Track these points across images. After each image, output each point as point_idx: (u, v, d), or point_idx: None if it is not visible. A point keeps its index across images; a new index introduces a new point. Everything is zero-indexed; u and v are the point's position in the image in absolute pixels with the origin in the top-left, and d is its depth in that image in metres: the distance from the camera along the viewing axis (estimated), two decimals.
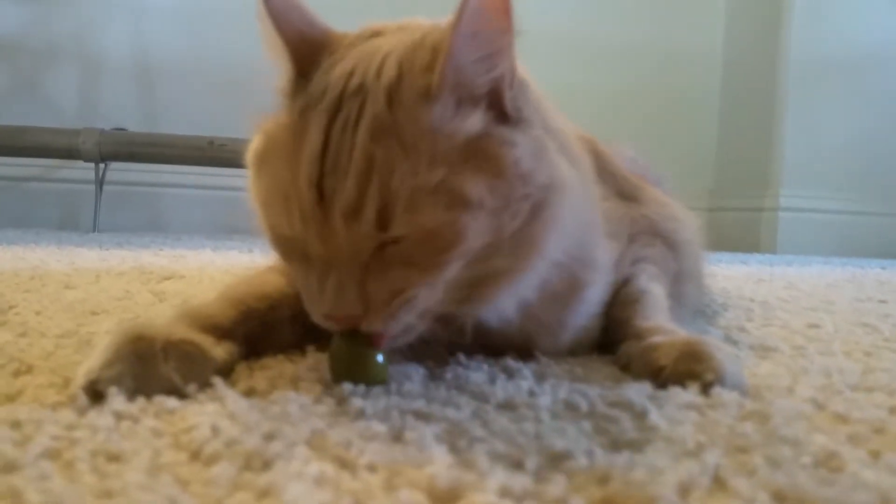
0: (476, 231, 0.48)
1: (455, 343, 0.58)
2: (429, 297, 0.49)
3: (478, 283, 0.51)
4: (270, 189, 0.50)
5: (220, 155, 2.15)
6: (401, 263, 0.48)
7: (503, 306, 0.56)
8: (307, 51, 0.52)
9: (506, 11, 0.48)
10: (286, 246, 0.51)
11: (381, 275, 0.48)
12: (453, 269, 0.49)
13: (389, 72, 0.49)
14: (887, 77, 2.55)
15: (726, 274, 1.47)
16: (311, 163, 0.47)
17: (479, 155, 0.48)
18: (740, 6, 2.80)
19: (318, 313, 0.50)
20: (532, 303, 0.57)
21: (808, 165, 2.53)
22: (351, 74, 0.50)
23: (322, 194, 0.47)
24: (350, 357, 0.51)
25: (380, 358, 0.51)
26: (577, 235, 0.59)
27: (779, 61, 2.55)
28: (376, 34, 0.54)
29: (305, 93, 0.50)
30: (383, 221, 0.46)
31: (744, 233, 2.59)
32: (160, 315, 0.75)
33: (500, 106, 0.51)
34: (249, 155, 0.54)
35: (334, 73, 0.50)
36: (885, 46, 2.54)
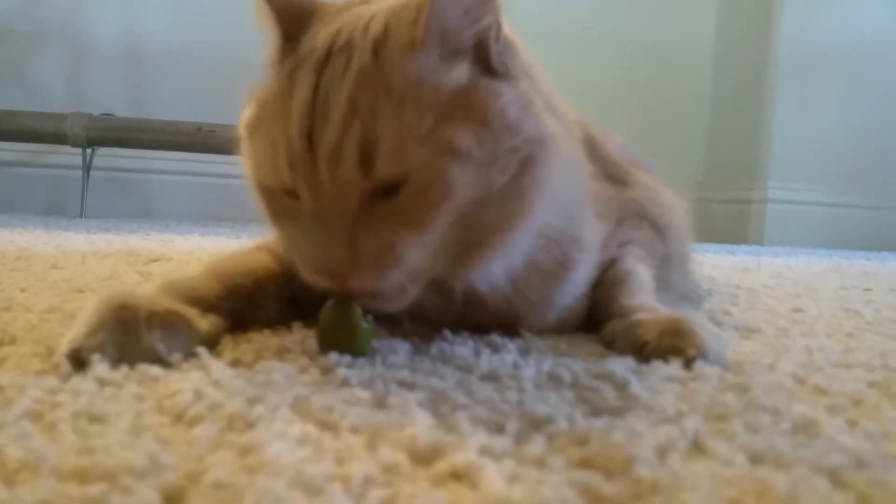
0: (464, 183, 0.48)
1: (442, 319, 0.59)
2: (418, 255, 0.49)
3: (468, 244, 0.51)
4: (263, 148, 0.51)
5: (209, 141, 2.14)
6: (390, 219, 0.48)
7: (493, 271, 0.56)
8: (295, 17, 0.52)
9: None
10: (276, 203, 0.52)
11: (370, 229, 0.48)
12: (442, 225, 0.49)
13: (376, 27, 0.50)
14: (876, 72, 2.57)
15: (713, 263, 1.47)
16: (300, 112, 0.48)
17: (466, 104, 0.49)
18: (731, 1, 2.80)
19: (306, 268, 0.50)
20: (520, 274, 0.57)
21: (797, 158, 2.54)
22: (338, 33, 0.50)
23: (311, 142, 0.47)
24: (337, 325, 0.51)
25: (367, 327, 0.51)
26: (566, 204, 0.59)
27: (769, 55, 2.56)
28: (365, 1, 0.55)
29: (294, 55, 0.51)
30: (366, 163, 0.47)
31: (732, 224, 2.61)
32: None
33: (486, 59, 0.51)
34: (242, 125, 0.54)
35: (322, 34, 0.51)
36: (875, 41, 2.56)
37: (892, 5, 2.57)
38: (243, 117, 0.54)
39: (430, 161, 0.47)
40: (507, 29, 0.53)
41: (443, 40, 0.49)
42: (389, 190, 0.48)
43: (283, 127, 0.49)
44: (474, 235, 0.51)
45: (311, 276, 0.50)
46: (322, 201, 0.48)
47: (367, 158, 0.47)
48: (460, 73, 0.50)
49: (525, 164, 0.51)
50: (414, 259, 0.49)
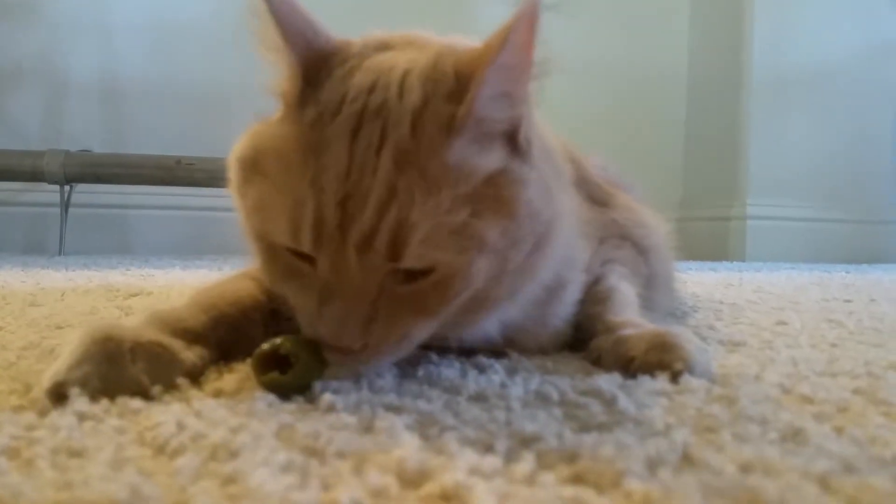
0: (485, 271, 0.48)
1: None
2: (425, 333, 0.50)
3: (468, 311, 0.51)
4: (271, 197, 0.48)
5: (189, 175, 2.14)
6: (408, 305, 0.48)
7: (487, 328, 0.57)
8: (314, 58, 0.50)
9: (530, 50, 0.47)
10: (282, 259, 0.50)
11: (387, 314, 0.47)
12: (455, 308, 0.49)
13: (413, 95, 0.48)
14: (846, 89, 2.62)
15: (696, 280, 1.48)
16: (335, 183, 0.45)
17: (496, 197, 0.48)
18: (703, 24, 2.86)
19: (311, 330, 0.49)
20: (516, 316, 0.58)
21: (773, 176, 2.58)
22: (371, 91, 0.48)
23: (342, 218, 0.45)
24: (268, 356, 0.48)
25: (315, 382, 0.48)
26: (564, 252, 0.60)
27: (742, 76, 2.61)
28: (384, 46, 0.53)
29: (317, 102, 0.48)
30: (396, 251, 0.45)
31: (713, 242, 2.63)
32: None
33: (514, 141, 0.50)
34: (235, 157, 0.52)
35: (352, 86, 0.49)
36: (844, 60, 2.62)
37: (859, 24, 2.63)
38: (237, 151, 0.52)
39: (458, 255, 0.46)
40: None
41: (481, 123, 0.48)
42: (411, 273, 0.47)
43: (311, 192, 0.46)
44: (477, 305, 0.51)
45: (313, 335, 0.49)
46: (344, 281, 0.46)
47: (398, 245, 0.45)
48: (494, 159, 0.48)
49: (539, 243, 0.51)
50: (420, 337, 0.50)
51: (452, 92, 0.47)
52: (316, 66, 0.50)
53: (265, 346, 0.49)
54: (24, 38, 2.43)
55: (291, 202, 0.47)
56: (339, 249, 0.46)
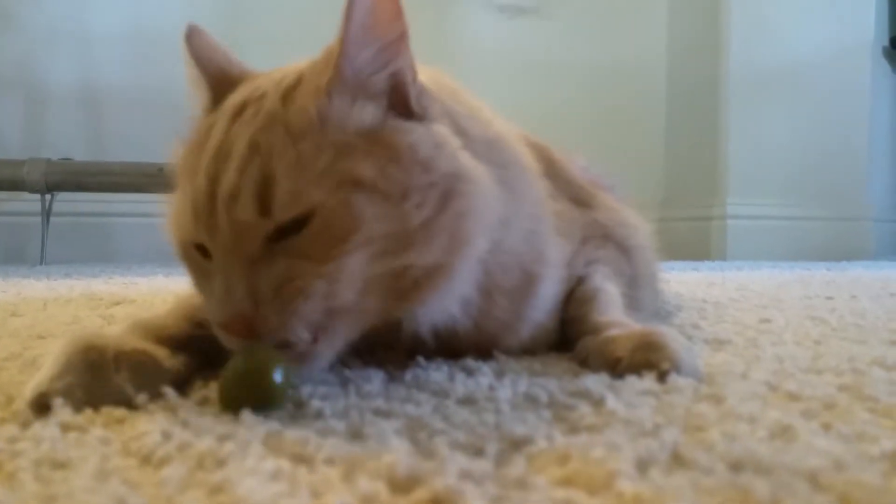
0: (374, 216, 0.47)
1: (415, 349, 0.58)
2: (330, 291, 0.46)
3: (401, 283, 0.49)
4: (178, 202, 0.51)
5: (171, 182, 2.12)
6: (293, 255, 0.46)
7: (444, 306, 0.55)
8: (224, 81, 0.55)
9: (397, 13, 0.50)
10: (193, 264, 0.51)
11: (270, 266, 0.46)
12: (355, 262, 0.47)
13: (289, 79, 0.51)
14: (822, 88, 2.65)
15: (679, 280, 1.49)
16: (208, 158, 0.48)
17: (371, 141, 0.49)
18: (681, 25, 2.88)
19: (216, 325, 0.47)
20: (480, 301, 0.57)
21: (753, 174, 2.60)
22: (256, 88, 0.52)
23: (212, 184, 0.47)
24: (239, 375, 0.45)
25: (277, 377, 0.44)
26: (524, 225, 0.60)
27: (719, 75, 2.63)
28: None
29: (215, 112, 0.52)
30: (264, 205, 0.46)
31: (694, 241, 2.65)
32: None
33: (405, 102, 0.52)
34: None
35: (242, 90, 0.52)
36: (821, 55, 2.65)
37: (834, 23, 2.66)
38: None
39: (331, 195, 0.46)
40: (422, 75, 0.54)
41: (353, 85, 0.50)
42: (296, 229, 0.46)
43: (193, 177, 0.49)
44: (405, 274, 0.49)
45: (222, 336, 0.47)
46: (222, 245, 0.46)
47: (265, 198, 0.46)
48: (368, 113, 0.50)
49: (445, 197, 0.50)
50: (323, 295, 0.46)
51: (324, 68, 0.50)
52: (224, 87, 0.54)
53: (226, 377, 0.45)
54: (2, 46, 2.40)
55: (183, 197, 0.49)
56: (212, 216, 0.47)
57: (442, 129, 0.53)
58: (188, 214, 0.48)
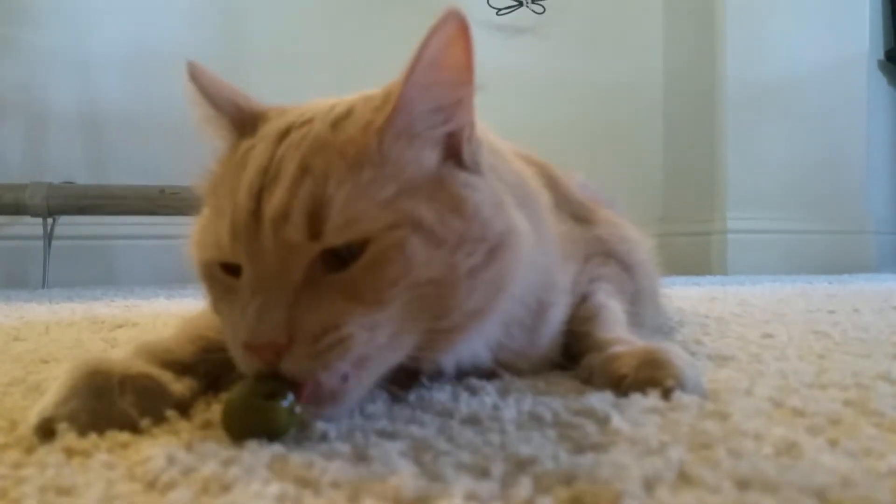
0: (425, 260, 0.45)
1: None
2: (368, 339, 0.44)
3: (438, 326, 0.49)
4: (206, 225, 0.49)
5: (173, 203, 2.12)
6: (340, 293, 0.44)
7: (474, 350, 0.56)
8: (245, 116, 0.52)
9: (467, 67, 0.48)
10: (217, 285, 0.49)
11: (315, 301, 0.43)
12: (399, 306, 0.45)
13: (340, 108, 0.50)
14: (819, 101, 2.67)
15: (681, 295, 1.49)
16: (251, 178, 0.46)
17: (436, 187, 0.48)
18: (677, 41, 2.91)
19: (236, 347, 0.45)
20: (501, 335, 0.58)
21: (752, 188, 2.61)
22: (302, 114, 0.50)
23: (259, 206, 0.45)
24: (248, 405, 0.43)
25: (286, 409, 0.43)
26: (541, 266, 0.60)
27: (716, 90, 2.65)
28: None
29: (251, 139, 0.50)
30: (315, 227, 0.44)
31: (695, 256, 2.65)
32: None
33: (457, 155, 0.51)
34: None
35: (285, 117, 0.51)
36: (817, 69, 2.67)
37: (829, 37, 2.68)
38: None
39: (388, 230, 0.44)
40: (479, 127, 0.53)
41: (411, 131, 0.48)
42: (343, 262, 0.44)
43: (232, 196, 0.46)
44: (441, 322, 0.48)
45: (242, 357, 0.45)
46: (264, 268, 0.44)
47: (316, 220, 0.44)
48: (426, 157, 0.49)
49: (494, 250, 0.50)
50: (362, 344, 0.44)
51: (379, 106, 0.49)
52: (247, 122, 0.52)
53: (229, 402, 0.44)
54: (3, 70, 2.41)
55: (217, 216, 0.48)
56: (255, 236, 0.44)
57: (498, 187, 0.53)
58: (222, 233, 0.46)
